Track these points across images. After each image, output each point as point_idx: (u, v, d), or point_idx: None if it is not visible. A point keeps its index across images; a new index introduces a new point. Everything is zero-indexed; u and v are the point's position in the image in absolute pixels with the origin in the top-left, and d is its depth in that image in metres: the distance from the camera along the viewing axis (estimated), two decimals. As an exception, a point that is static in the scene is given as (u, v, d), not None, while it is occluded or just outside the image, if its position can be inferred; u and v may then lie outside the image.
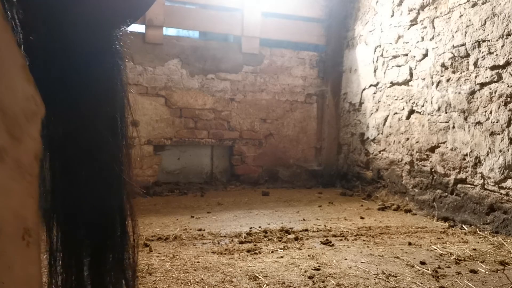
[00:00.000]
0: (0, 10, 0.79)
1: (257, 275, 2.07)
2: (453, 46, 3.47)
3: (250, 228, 3.07)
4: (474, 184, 3.25)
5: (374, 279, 2.07)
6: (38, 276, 0.80)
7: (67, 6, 0.93)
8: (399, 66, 4.23)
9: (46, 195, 0.99)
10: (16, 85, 0.79)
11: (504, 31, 2.97)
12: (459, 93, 3.40)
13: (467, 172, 3.32)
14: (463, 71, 3.37)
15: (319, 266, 2.24)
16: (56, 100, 0.93)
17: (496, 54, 3.04)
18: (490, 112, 3.09)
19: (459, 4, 3.41)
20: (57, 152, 0.99)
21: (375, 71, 4.65)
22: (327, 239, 2.77)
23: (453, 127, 3.47)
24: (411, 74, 4.04)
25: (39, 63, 0.89)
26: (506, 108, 2.96)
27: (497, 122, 3.03)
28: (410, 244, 2.73)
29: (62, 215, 1.03)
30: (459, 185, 3.41)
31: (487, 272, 2.22)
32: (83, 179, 1.03)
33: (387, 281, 2.05)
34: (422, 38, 3.86)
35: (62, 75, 0.95)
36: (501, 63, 3.00)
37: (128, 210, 1.14)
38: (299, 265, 2.24)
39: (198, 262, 2.26)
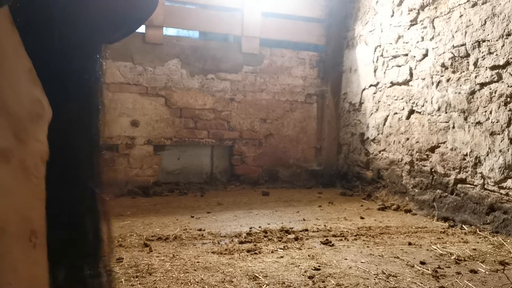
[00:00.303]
0: (8, 14, 0.79)
1: (257, 275, 2.07)
2: (453, 46, 3.47)
3: (250, 228, 3.07)
4: (474, 184, 3.25)
5: (374, 279, 2.07)
6: (44, 277, 0.80)
7: (68, 11, 0.93)
8: (399, 66, 4.23)
9: None
10: (22, 88, 0.79)
11: (504, 31, 2.97)
12: (459, 93, 3.40)
13: (467, 172, 3.32)
14: (463, 71, 3.37)
15: (319, 266, 2.24)
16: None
17: (496, 54, 3.04)
18: (490, 112, 3.09)
19: (459, 4, 3.41)
20: None
21: (375, 71, 4.65)
22: (327, 239, 2.77)
23: (453, 127, 3.47)
24: (411, 74, 4.04)
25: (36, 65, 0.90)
26: (506, 108, 2.96)
27: (497, 122, 3.03)
28: (410, 244, 2.73)
29: None
30: (459, 185, 3.41)
31: (487, 272, 2.22)
32: (56, 180, 1.02)
33: (387, 281, 2.05)
34: (422, 38, 3.87)
35: (55, 77, 0.95)
36: (501, 63, 3.00)
37: (101, 214, 1.13)
38: (299, 265, 2.24)
39: (198, 262, 2.26)
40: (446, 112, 3.56)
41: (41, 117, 0.81)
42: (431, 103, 3.74)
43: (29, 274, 0.75)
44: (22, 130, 0.76)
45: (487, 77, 3.13)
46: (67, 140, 1.02)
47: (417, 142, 3.93)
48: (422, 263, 2.34)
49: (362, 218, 3.54)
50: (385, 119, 4.44)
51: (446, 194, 3.53)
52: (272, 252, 2.48)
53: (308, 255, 2.43)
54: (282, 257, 2.39)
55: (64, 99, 1.00)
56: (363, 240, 2.83)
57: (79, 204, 1.06)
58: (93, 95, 1.07)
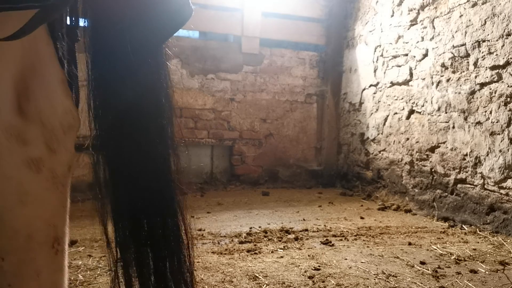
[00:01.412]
0: (45, 25, 0.80)
1: (257, 275, 2.07)
2: (453, 46, 3.47)
3: (250, 228, 3.07)
4: (474, 184, 3.25)
5: (374, 279, 2.07)
6: (64, 284, 0.81)
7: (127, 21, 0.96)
8: (399, 66, 4.23)
9: (104, 195, 1.01)
10: (56, 99, 0.80)
11: (504, 31, 2.97)
12: (459, 93, 3.40)
13: (467, 172, 3.32)
14: (463, 71, 3.37)
15: (319, 266, 2.24)
16: (119, 106, 0.96)
17: (496, 54, 3.04)
18: (490, 112, 3.09)
19: (459, 4, 3.41)
20: (117, 154, 1.02)
21: (375, 71, 4.65)
22: (327, 239, 2.77)
23: (453, 127, 3.47)
24: (411, 74, 4.04)
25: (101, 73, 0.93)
26: (506, 108, 2.96)
27: (497, 122, 3.03)
28: (410, 244, 2.73)
29: (122, 213, 1.05)
30: (459, 185, 3.41)
31: (487, 272, 2.22)
32: (141, 179, 1.05)
33: (387, 281, 2.05)
34: (422, 38, 3.86)
35: (124, 83, 0.99)
36: (501, 63, 3.00)
37: (180, 209, 1.18)
38: (299, 265, 2.24)
39: (198, 262, 2.26)
40: (446, 112, 3.56)
41: (72, 128, 0.83)
42: (431, 103, 3.74)
43: (51, 280, 0.77)
44: (54, 140, 0.78)
45: (487, 77, 3.13)
46: (147, 138, 1.05)
47: (417, 142, 3.93)
48: (422, 263, 2.34)
49: (362, 218, 3.54)
50: (385, 119, 4.43)
51: (446, 194, 3.53)
52: (272, 252, 2.48)
53: (308, 255, 2.42)
54: (282, 257, 2.39)
55: (143, 101, 1.03)
56: (363, 240, 2.83)
57: (162, 199, 1.10)
58: (167, 96, 1.11)
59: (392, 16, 4.34)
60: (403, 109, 4.14)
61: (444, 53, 3.57)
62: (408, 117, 4.08)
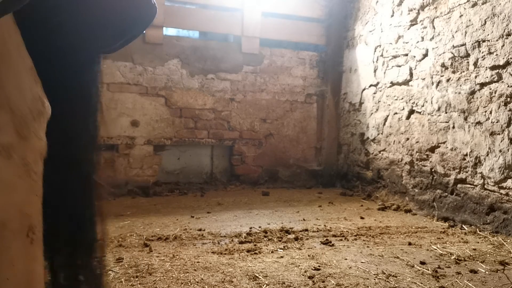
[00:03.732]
0: (11, 14, 0.80)
1: (257, 275, 2.07)
2: (453, 46, 3.47)
3: (250, 228, 3.07)
4: (474, 184, 3.25)
5: (374, 279, 2.07)
6: (40, 273, 0.81)
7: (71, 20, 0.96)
8: (399, 66, 4.23)
9: None
10: (25, 86, 0.80)
11: (504, 31, 2.97)
12: (459, 93, 3.40)
13: (467, 172, 3.32)
14: (463, 71, 3.37)
15: (319, 266, 2.24)
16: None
17: (496, 54, 3.04)
18: (490, 112, 3.09)
19: (459, 4, 3.41)
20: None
21: (375, 71, 4.65)
22: (327, 239, 2.77)
23: (453, 127, 3.47)
24: (411, 74, 4.04)
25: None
26: (506, 108, 2.96)
27: (497, 122, 3.03)
28: (410, 244, 2.73)
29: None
30: (459, 185, 3.41)
31: (487, 272, 2.22)
32: (58, 179, 1.03)
33: (387, 281, 2.05)
34: (422, 38, 3.87)
35: (53, 79, 0.98)
36: (501, 63, 3.00)
37: (97, 211, 1.14)
38: (299, 265, 2.24)
39: (198, 262, 2.26)
40: (446, 112, 3.56)
41: (42, 114, 0.83)
42: (431, 103, 3.74)
43: (27, 270, 0.76)
44: (24, 126, 0.77)
45: (487, 77, 3.13)
46: (68, 138, 1.04)
47: (417, 142, 3.93)
48: (422, 263, 2.34)
49: (362, 218, 3.54)
50: (385, 119, 4.43)
51: (446, 194, 3.53)
52: (272, 252, 2.48)
53: (308, 255, 2.42)
54: (282, 257, 2.39)
55: (65, 99, 1.02)
56: (363, 240, 2.83)
57: (78, 199, 1.09)
58: (92, 95, 1.10)
59: (392, 16, 4.34)
60: (403, 109, 4.14)
61: (444, 53, 3.57)
62: (408, 117, 4.08)
